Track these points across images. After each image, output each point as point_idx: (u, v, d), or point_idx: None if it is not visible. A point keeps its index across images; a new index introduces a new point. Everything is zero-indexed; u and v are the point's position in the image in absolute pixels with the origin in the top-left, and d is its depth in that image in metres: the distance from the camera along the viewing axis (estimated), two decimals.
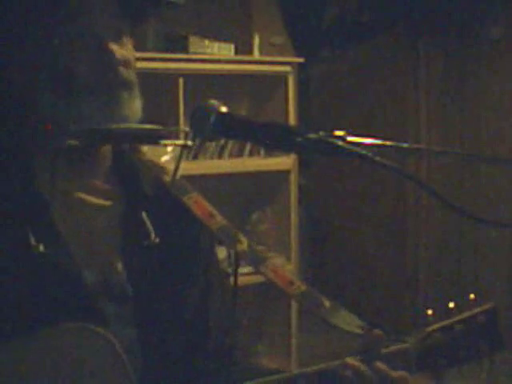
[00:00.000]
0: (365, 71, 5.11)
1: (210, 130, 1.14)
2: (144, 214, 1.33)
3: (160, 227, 1.33)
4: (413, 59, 4.88)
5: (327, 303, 1.30)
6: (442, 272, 4.84)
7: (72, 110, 1.23)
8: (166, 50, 3.50)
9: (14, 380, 1.15)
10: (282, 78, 3.89)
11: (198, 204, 1.34)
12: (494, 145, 4.49)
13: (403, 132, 4.88)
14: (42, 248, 1.20)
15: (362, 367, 1.20)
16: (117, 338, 1.19)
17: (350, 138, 1.09)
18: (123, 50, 1.28)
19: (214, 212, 1.34)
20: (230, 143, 3.73)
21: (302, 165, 4.36)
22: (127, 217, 1.33)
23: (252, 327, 3.94)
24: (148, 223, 1.33)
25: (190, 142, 1.19)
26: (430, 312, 1.28)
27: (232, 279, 1.35)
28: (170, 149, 3.24)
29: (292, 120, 3.90)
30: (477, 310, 1.28)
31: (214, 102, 1.16)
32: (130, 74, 1.28)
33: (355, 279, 5.24)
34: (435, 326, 1.26)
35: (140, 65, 1.34)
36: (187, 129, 1.17)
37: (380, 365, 1.21)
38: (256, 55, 3.89)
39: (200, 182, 1.61)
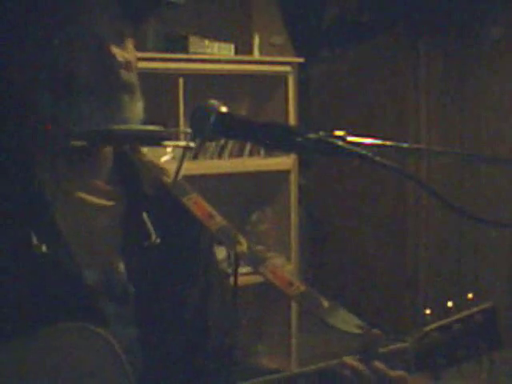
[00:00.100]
0: (365, 71, 5.11)
1: (210, 130, 1.14)
2: (144, 215, 1.33)
3: (160, 228, 1.33)
4: (413, 59, 4.88)
5: (326, 303, 1.30)
6: (441, 272, 4.84)
7: (72, 111, 1.23)
8: (166, 50, 3.50)
9: (14, 380, 1.15)
10: (282, 78, 3.89)
11: (198, 205, 1.34)
12: (494, 145, 4.49)
13: (403, 132, 4.88)
14: (44, 248, 1.21)
15: (361, 367, 1.21)
16: (117, 338, 1.19)
17: (349, 138, 1.10)
18: (125, 53, 1.28)
19: (214, 213, 1.34)
20: (230, 143, 3.73)
21: (302, 165, 4.36)
22: (128, 217, 1.33)
23: (252, 327, 3.94)
24: (148, 224, 1.33)
25: (191, 144, 1.19)
26: (428, 311, 1.28)
27: (232, 279, 1.35)
28: (169, 149, 3.25)
29: (292, 120, 3.90)
30: (475, 309, 1.29)
31: (213, 102, 1.16)
32: (131, 77, 1.28)
33: (355, 279, 5.24)
34: (433, 326, 1.27)
35: (140, 65, 1.34)
36: (188, 130, 1.17)
37: (378, 364, 1.21)
38: (256, 55, 3.88)
39: (200, 182, 1.61)
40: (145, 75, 1.34)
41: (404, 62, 4.92)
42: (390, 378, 1.21)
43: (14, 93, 1.28)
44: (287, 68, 3.89)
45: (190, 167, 3.41)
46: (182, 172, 1.25)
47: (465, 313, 1.28)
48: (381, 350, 1.23)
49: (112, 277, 1.28)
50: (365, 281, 5.18)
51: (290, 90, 3.90)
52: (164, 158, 3.22)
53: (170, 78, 3.44)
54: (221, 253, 3.03)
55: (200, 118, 1.14)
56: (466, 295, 1.30)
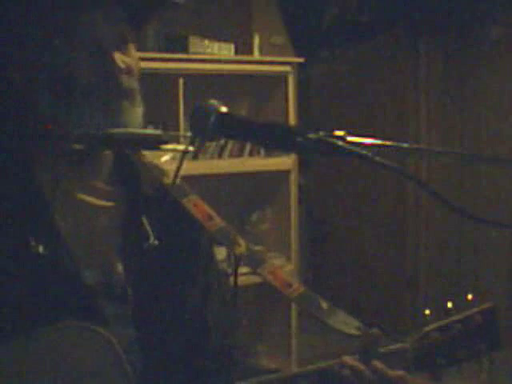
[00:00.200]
0: (365, 71, 5.11)
1: (210, 130, 1.14)
2: (144, 217, 1.33)
3: (159, 229, 1.33)
4: (413, 59, 4.88)
5: (325, 305, 1.30)
6: (441, 272, 4.84)
7: (72, 112, 1.23)
8: (166, 50, 3.50)
9: (14, 380, 1.15)
10: (281, 78, 3.89)
11: (197, 206, 1.34)
12: (493, 145, 4.50)
13: (403, 132, 4.88)
14: (41, 249, 1.21)
15: (361, 366, 1.21)
16: (116, 337, 1.19)
17: (349, 138, 1.09)
18: (127, 58, 1.27)
19: (213, 214, 1.34)
20: (230, 143, 3.73)
21: (302, 165, 4.36)
22: (127, 218, 1.33)
23: (252, 327, 3.94)
24: (147, 226, 1.33)
25: (190, 148, 1.19)
26: (427, 312, 1.28)
27: (232, 279, 1.35)
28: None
29: (292, 120, 3.90)
30: (475, 309, 1.29)
31: (214, 101, 1.16)
32: (131, 83, 1.28)
33: (355, 279, 5.24)
34: (433, 326, 1.27)
35: (140, 64, 1.34)
36: (188, 134, 1.17)
37: (378, 364, 1.22)
38: (256, 55, 3.88)
39: (200, 182, 1.61)
40: (145, 75, 1.33)
41: (404, 61, 4.92)
42: (390, 378, 1.21)
43: (14, 93, 1.28)
44: (287, 68, 3.89)
45: (190, 167, 3.41)
46: (182, 172, 1.25)
47: (465, 313, 1.28)
48: (380, 349, 1.23)
49: (111, 277, 1.28)
50: (365, 281, 5.18)
51: (290, 90, 3.90)
52: (164, 158, 3.21)
53: (170, 77, 3.44)
54: (221, 253, 3.03)
55: (200, 118, 1.14)
56: (466, 295, 1.30)
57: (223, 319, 1.41)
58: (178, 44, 3.55)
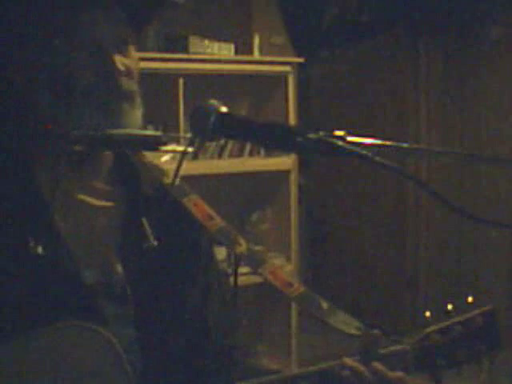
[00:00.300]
0: (365, 71, 5.11)
1: (210, 130, 1.14)
2: (144, 217, 1.33)
3: (159, 229, 1.33)
4: (413, 59, 4.88)
5: (325, 305, 1.30)
6: (441, 272, 4.84)
7: (71, 112, 1.23)
8: (166, 50, 3.50)
9: (14, 380, 1.15)
10: (281, 78, 3.89)
11: (198, 206, 1.34)
12: (493, 145, 4.49)
13: (403, 132, 4.88)
14: (40, 249, 1.21)
15: (361, 367, 1.21)
16: (116, 337, 1.19)
17: (350, 138, 1.09)
18: (127, 60, 1.27)
19: (213, 214, 1.34)
20: (230, 143, 3.73)
21: (302, 165, 4.36)
22: (127, 218, 1.33)
23: (252, 327, 3.94)
24: (147, 226, 1.33)
25: (190, 149, 1.19)
26: (427, 314, 1.28)
27: (232, 279, 1.35)
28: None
29: (292, 120, 3.90)
30: (475, 311, 1.29)
31: (214, 101, 1.16)
32: (131, 85, 1.28)
33: (355, 279, 5.24)
34: (434, 328, 1.27)
35: (140, 65, 1.34)
36: (187, 135, 1.17)
37: (378, 365, 1.21)
38: (256, 55, 3.88)
39: (200, 182, 1.61)
40: (145, 75, 1.33)
41: (404, 61, 4.92)
42: (390, 379, 1.21)
43: (14, 93, 1.28)
44: (287, 68, 3.90)
45: (190, 167, 3.41)
46: (182, 172, 1.25)
47: (465, 315, 1.28)
48: (381, 351, 1.23)
49: (111, 277, 1.28)
50: (365, 281, 5.18)
51: (290, 90, 3.90)
52: (164, 158, 3.21)
53: (170, 77, 3.44)
54: (221, 253, 3.03)
55: (200, 118, 1.14)
56: (466, 296, 1.30)
57: (223, 319, 1.41)
58: (178, 44, 3.55)
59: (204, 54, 3.61)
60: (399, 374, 1.22)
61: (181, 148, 1.23)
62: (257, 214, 4.06)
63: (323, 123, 5.13)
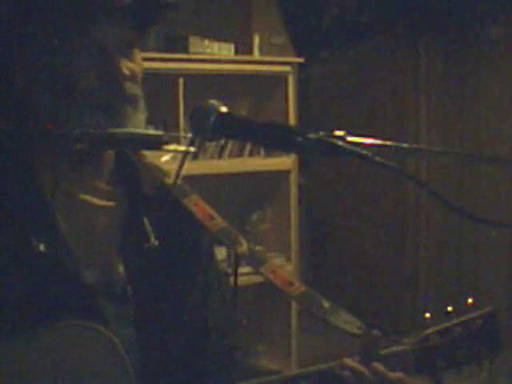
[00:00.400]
0: (365, 71, 5.11)
1: (210, 130, 1.14)
2: (144, 217, 1.33)
3: (160, 229, 1.33)
4: (413, 59, 4.88)
5: (326, 304, 1.30)
6: (441, 272, 4.84)
7: (72, 112, 1.23)
8: (166, 50, 3.50)
9: (14, 379, 1.15)
10: (281, 78, 3.90)
11: (198, 206, 1.34)
12: (493, 145, 4.49)
13: (403, 132, 4.88)
14: (42, 247, 1.21)
15: (361, 368, 1.21)
16: (117, 337, 1.19)
17: (350, 138, 1.09)
18: (131, 64, 1.27)
19: (214, 214, 1.34)
20: (230, 143, 3.73)
21: (302, 165, 4.36)
22: (128, 218, 1.33)
23: (252, 327, 3.94)
24: (148, 226, 1.33)
25: (192, 149, 1.19)
26: (427, 315, 1.28)
27: (232, 279, 1.35)
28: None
29: (292, 120, 3.90)
30: (475, 313, 1.29)
31: (214, 102, 1.16)
32: (135, 89, 1.28)
33: (355, 279, 5.24)
34: (434, 329, 1.27)
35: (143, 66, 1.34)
36: (189, 135, 1.17)
37: (378, 366, 1.22)
38: (256, 55, 3.89)
39: (200, 182, 1.61)
40: (145, 75, 1.33)
41: (404, 61, 4.92)
42: (390, 380, 1.21)
43: (15, 92, 1.28)
44: (287, 68, 3.90)
45: (190, 167, 3.39)
46: (183, 172, 1.25)
47: (465, 317, 1.28)
48: (381, 351, 1.23)
49: (111, 277, 1.28)
50: (365, 281, 5.18)
51: (290, 90, 3.91)
52: (164, 158, 3.21)
53: (170, 77, 3.44)
54: (221, 253, 3.03)
55: (200, 118, 1.14)
56: (466, 297, 1.30)
57: (223, 319, 1.41)
58: (178, 44, 3.55)
59: (204, 53, 3.61)
60: (399, 374, 1.22)
61: (182, 148, 1.23)
62: (257, 214, 4.06)
63: (323, 123, 5.13)
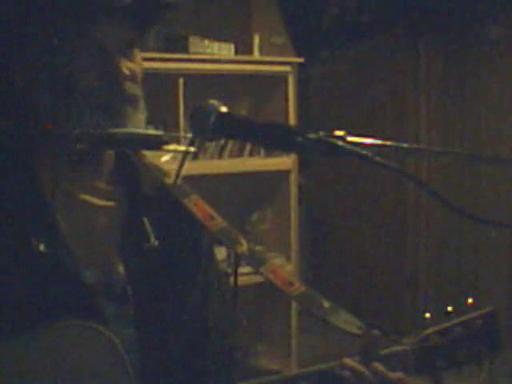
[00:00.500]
0: (365, 71, 5.11)
1: (210, 130, 1.14)
2: (144, 217, 1.33)
3: (160, 229, 1.33)
4: (413, 59, 4.88)
5: (326, 304, 1.30)
6: (441, 272, 4.84)
7: (72, 112, 1.23)
8: (166, 50, 3.51)
9: (14, 379, 1.15)
10: (281, 78, 3.90)
11: (199, 206, 1.34)
12: (493, 145, 4.49)
13: (403, 132, 4.88)
14: (42, 247, 1.21)
15: (361, 368, 1.21)
16: (117, 337, 1.19)
17: (350, 138, 1.09)
18: (131, 64, 1.27)
19: (214, 214, 1.34)
20: (230, 143, 3.73)
21: (302, 165, 4.36)
22: (128, 218, 1.33)
23: (252, 327, 3.94)
24: (148, 226, 1.33)
25: (192, 149, 1.19)
26: (427, 315, 1.28)
27: (232, 279, 1.35)
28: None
29: (292, 120, 3.90)
30: (475, 313, 1.29)
31: (213, 102, 1.16)
32: (135, 89, 1.28)
33: (355, 279, 5.24)
34: (434, 329, 1.27)
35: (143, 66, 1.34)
36: (189, 135, 1.17)
37: (378, 366, 1.22)
38: (256, 55, 3.89)
39: (200, 182, 1.61)
40: (145, 75, 1.33)
41: (404, 61, 4.92)
42: (390, 380, 1.21)
43: (15, 92, 1.28)
44: (287, 68, 3.90)
45: (190, 167, 3.39)
46: (183, 172, 1.25)
47: (465, 317, 1.28)
48: (381, 351, 1.23)
49: (111, 277, 1.28)
50: (365, 281, 5.18)
51: (290, 90, 3.91)
52: (164, 158, 3.22)
53: (170, 77, 3.44)
54: (221, 253, 3.03)
55: (200, 118, 1.14)
56: (466, 297, 1.30)
57: (223, 319, 1.41)
58: (178, 44, 3.55)
59: (204, 53, 3.61)
60: (399, 374, 1.22)
61: (182, 148, 1.23)
62: (257, 214, 4.06)
63: (323, 123, 5.13)
